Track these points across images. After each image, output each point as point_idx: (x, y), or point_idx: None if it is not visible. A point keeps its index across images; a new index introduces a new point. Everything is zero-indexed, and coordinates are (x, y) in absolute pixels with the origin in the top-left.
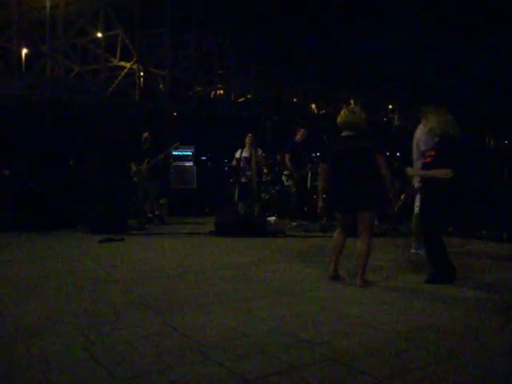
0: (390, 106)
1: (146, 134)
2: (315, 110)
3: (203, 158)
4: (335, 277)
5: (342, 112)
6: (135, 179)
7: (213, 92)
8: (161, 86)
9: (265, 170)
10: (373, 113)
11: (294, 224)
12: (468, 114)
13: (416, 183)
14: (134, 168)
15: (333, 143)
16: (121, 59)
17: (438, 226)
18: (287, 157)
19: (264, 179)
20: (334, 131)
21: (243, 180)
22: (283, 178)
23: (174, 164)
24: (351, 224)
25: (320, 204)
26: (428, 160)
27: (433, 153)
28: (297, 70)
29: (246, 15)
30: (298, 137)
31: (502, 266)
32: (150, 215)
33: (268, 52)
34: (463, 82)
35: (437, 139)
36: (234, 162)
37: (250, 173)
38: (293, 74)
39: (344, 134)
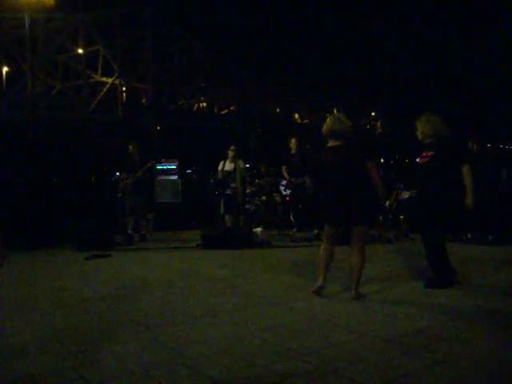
0: (373, 113)
1: (130, 148)
2: (298, 120)
3: (188, 171)
4: (322, 288)
5: (328, 120)
6: (119, 195)
7: (196, 105)
8: (143, 100)
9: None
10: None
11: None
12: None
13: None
14: (120, 183)
15: (319, 155)
16: (102, 75)
17: (439, 232)
18: (284, 168)
19: (249, 190)
20: (317, 141)
21: (228, 192)
22: (280, 187)
23: (159, 178)
24: (339, 234)
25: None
26: (425, 160)
27: (430, 153)
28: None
29: (227, 28)
30: (293, 149)
31: (490, 269)
32: (130, 232)
33: (250, 63)
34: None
35: (430, 140)
36: (220, 175)
37: (234, 185)
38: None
39: (330, 144)
